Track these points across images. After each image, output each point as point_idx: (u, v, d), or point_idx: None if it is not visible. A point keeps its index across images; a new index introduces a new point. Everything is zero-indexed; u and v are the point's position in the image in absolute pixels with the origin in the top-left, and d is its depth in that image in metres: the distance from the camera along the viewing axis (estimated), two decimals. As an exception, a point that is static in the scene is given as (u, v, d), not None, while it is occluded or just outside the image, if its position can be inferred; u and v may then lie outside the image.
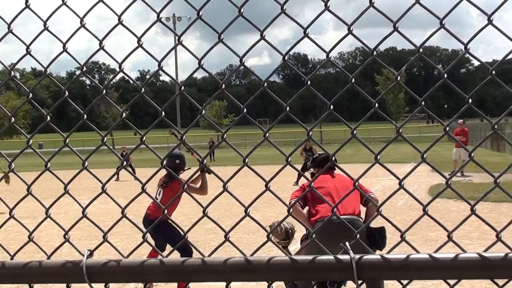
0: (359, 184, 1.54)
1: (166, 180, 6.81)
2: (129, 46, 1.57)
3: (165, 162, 1.54)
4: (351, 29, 1.41)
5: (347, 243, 1.32)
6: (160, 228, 6.18)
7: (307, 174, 16.07)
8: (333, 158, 1.68)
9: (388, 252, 1.36)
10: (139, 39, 1.52)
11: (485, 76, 1.37)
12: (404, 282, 1.42)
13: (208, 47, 1.53)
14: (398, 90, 59.50)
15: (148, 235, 1.54)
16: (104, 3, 1.56)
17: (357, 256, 1.28)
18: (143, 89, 1.55)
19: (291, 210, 1.49)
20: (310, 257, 1.31)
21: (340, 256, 1.30)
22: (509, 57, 1.34)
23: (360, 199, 5.04)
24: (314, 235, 1.47)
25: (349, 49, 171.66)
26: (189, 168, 6.85)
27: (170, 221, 6.21)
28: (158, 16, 1.51)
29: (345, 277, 1.30)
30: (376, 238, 4.63)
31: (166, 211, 1.56)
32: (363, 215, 4.95)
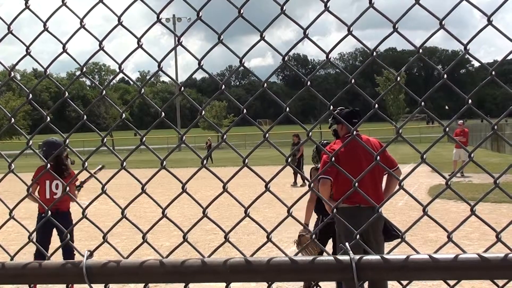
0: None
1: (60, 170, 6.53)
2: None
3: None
4: (351, 29, 1.41)
5: (347, 244, 1.32)
6: (67, 218, 6.22)
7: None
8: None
9: (388, 253, 1.36)
10: (139, 40, 1.52)
11: (485, 77, 1.37)
12: (404, 282, 1.42)
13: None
14: (398, 91, 59.45)
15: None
16: (104, 3, 1.56)
17: (357, 257, 1.28)
18: (143, 89, 1.55)
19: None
20: (310, 258, 1.31)
21: (340, 257, 1.30)
22: (509, 57, 1.34)
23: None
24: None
25: (350, 50, 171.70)
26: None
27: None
28: (158, 17, 1.51)
29: (345, 278, 1.30)
30: (390, 229, 4.55)
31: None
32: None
